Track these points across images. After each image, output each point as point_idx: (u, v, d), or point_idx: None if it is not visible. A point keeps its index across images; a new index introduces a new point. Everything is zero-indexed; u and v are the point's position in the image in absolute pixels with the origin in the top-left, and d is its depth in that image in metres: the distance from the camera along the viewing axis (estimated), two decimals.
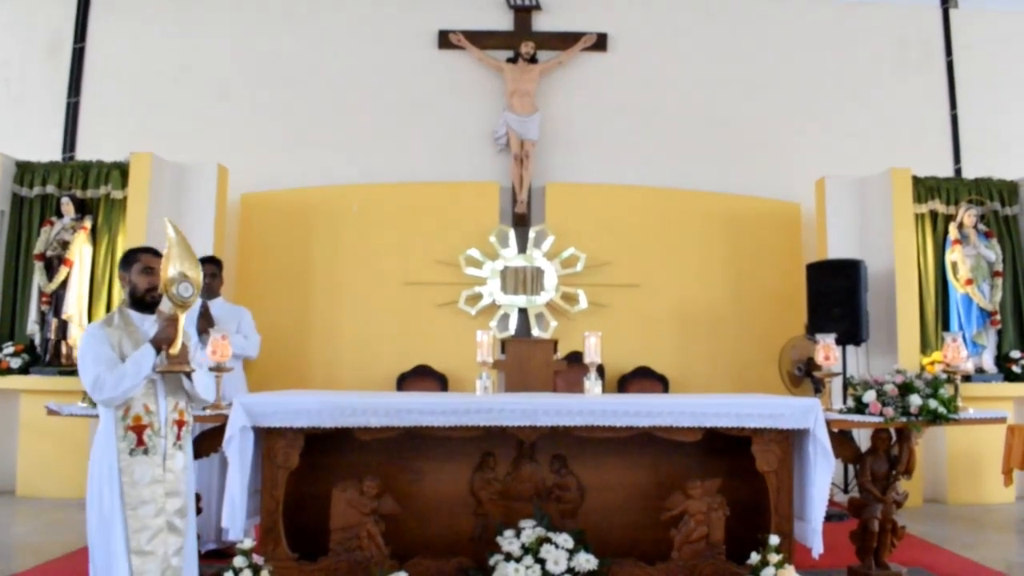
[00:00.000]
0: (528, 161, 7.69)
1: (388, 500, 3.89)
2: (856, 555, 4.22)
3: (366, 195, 7.66)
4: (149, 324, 3.01)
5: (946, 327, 6.98)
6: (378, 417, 3.76)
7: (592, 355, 4.56)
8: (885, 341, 6.93)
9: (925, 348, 6.93)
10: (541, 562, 3.66)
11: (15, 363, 6.62)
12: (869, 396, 4.09)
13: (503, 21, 8.10)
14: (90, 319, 6.68)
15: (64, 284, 6.74)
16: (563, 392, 4.69)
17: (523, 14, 8.07)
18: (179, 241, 2.92)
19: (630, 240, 7.61)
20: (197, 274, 2.93)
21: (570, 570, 3.67)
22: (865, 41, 8.26)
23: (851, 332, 6.56)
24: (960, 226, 7.08)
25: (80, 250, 6.79)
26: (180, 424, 3.02)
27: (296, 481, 3.88)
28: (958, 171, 8.01)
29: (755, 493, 4.00)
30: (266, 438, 3.81)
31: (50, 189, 6.99)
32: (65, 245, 6.78)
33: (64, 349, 6.73)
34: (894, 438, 4.23)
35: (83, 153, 7.67)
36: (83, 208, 6.91)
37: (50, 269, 6.78)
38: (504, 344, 5.11)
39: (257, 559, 3.58)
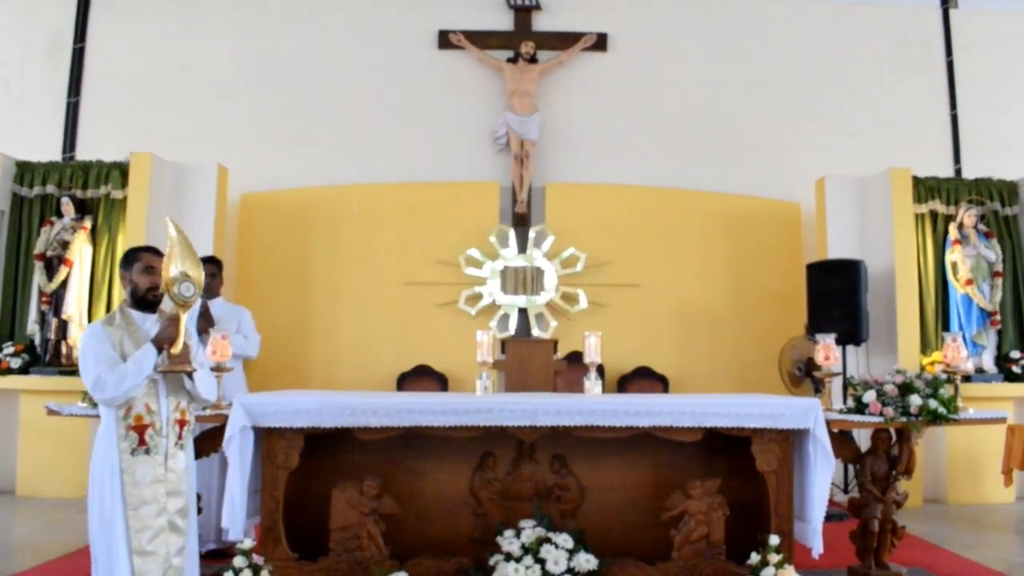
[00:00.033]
0: (528, 161, 7.69)
1: (388, 500, 3.89)
2: (856, 555, 4.22)
3: (366, 195, 7.66)
4: (150, 323, 3.00)
5: (946, 327, 6.98)
6: (378, 417, 3.76)
7: (592, 355, 4.56)
8: (885, 341, 6.93)
9: (925, 348, 6.93)
10: (541, 562, 3.66)
11: (15, 363, 6.62)
12: (869, 396, 4.09)
13: (503, 21, 8.10)
14: (90, 319, 6.67)
15: (64, 284, 6.74)
16: (563, 392, 4.69)
17: (523, 14, 8.07)
18: (181, 240, 2.91)
19: (630, 240, 7.61)
20: (199, 273, 2.92)
21: (570, 570, 3.67)
22: (865, 41, 8.26)
23: (851, 332, 6.56)
24: (960, 226, 7.08)
25: (80, 250, 6.79)
26: (182, 424, 3.01)
27: (296, 481, 3.88)
28: (958, 171, 8.01)
29: (755, 493, 4.00)
30: (266, 438, 3.81)
31: (50, 189, 6.99)
32: (65, 245, 6.78)
33: (64, 349, 6.72)
34: (894, 438, 4.23)
35: (83, 153, 7.67)
36: (83, 208, 6.91)
37: (50, 269, 6.78)
38: (504, 344, 5.11)
39: (257, 559, 3.58)
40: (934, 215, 7.19)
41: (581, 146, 7.96)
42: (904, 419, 4.04)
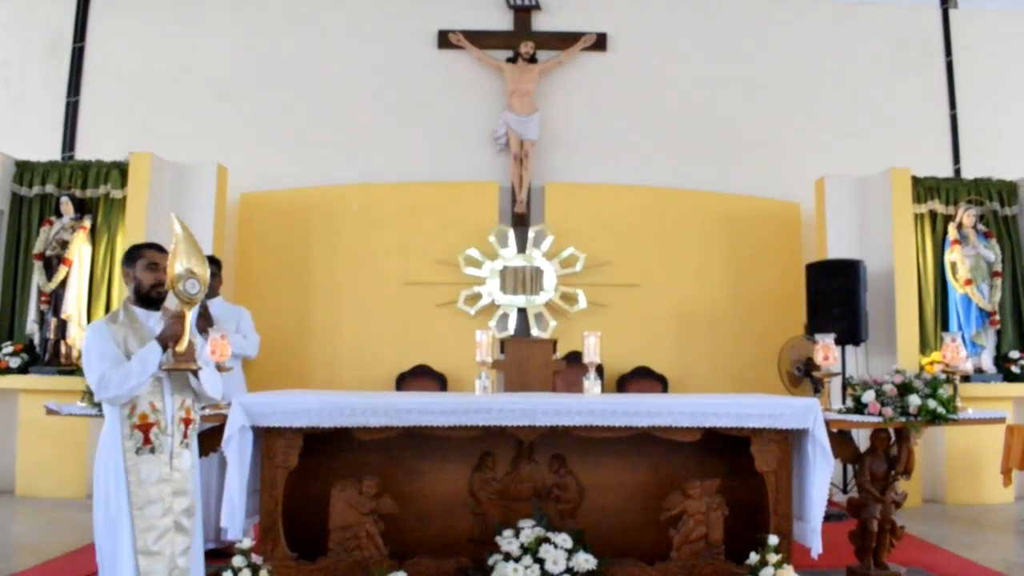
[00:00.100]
0: (528, 161, 7.69)
1: (387, 500, 3.89)
2: (855, 555, 4.22)
3: (366, 195, 7.66)
4: (154, 321, 2.96)
5: (945, 327, 6.98)
6: (377, 417, 3.76)
7: (591, 355, 4.56)
8: (884, 341, 6.93)
9: (924, 348, 6.93)
10: (540, 562, 3.66)
11: (14, 363, 6.62)
12: (868, 396, 4.09)
13: (503, 21, 8.10)
14: (89, 319, 6.67)
15: (63, 284, 6.74)
16: (562, 392, 4.69)
17: (523, 14, 8.07)
18: (186, 237, 2.88)
19: (630, 240, 7.61)
20: (204, 271, 2.88)
21: (569, 570, 3.67)
22: (865, 41, 8.26)
23: (850, 332, 6.56)
24: (959, 226, 7.08)
25: (79, 250, 6.79)
26: (187, 422, 2.98)
27: (295, 481, 3.87)
28: (957, 171, 8.02)
29: (754, 493, 4.00)
30: (265, 438, 3.81)
31: (49, 188, 6.99)
32: (64, 245, 6.78)
33: (63, 349, 6.72)
34: (893, 438, 4.24)
35: (82, 153, 7.67)
36: (82, 208, 6.91)
37: (49, 268, 6.78)
38: (503, 344, 5.11)
39: (256, 559, 3.58)
40: (933, 215, 7.19)
41: (581, 146, 7.96)
42: (903, 419, 4.04)
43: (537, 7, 8.06)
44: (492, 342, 4.92)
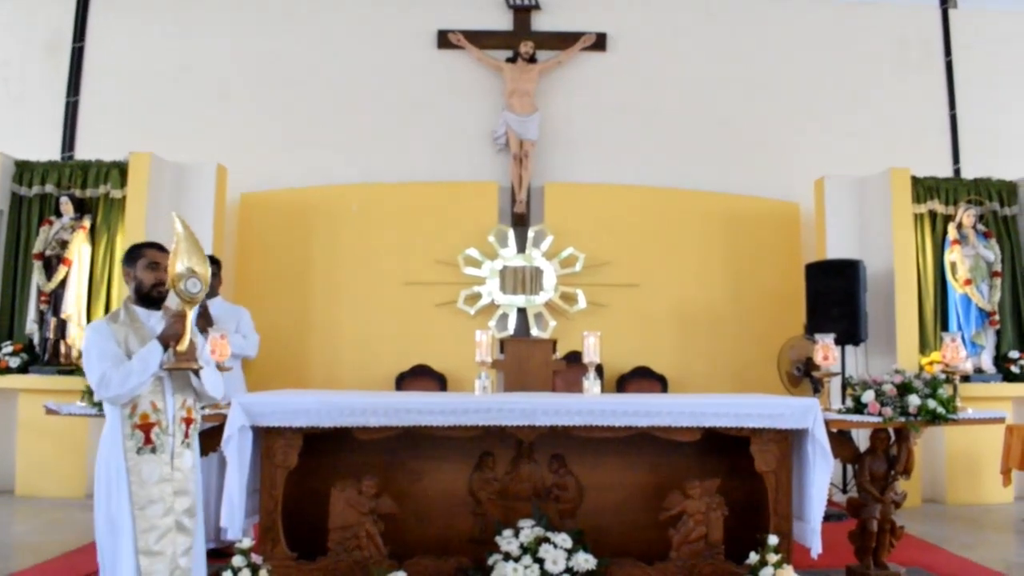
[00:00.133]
0: (527, 161, 7.69)
1: (387, 500, 3.88)
2: (855, 555, 4.22)
3: (366, 195, 7.66)
4: (155, 320, 2.95)
5: (945, 327, 6.98)
6: (377, 417, 3.76)
7: (591, 355, 4.56)
8: (884, 341, 6.93)
9: (924, 348, 6.94)
10: (540, 562, 3.66)
11: (14, 362, 6.62)
12: (868, 396, 4.09)
13: (502, 21, 8.10)
14: (89, 318, 6.67)
15: (63, 283, 6.74)
16: (562, 392, 4.69)
17: (522, 14, 8.07)
18: (187, 236, 2.86)
19: (629, 240, 7.61)
20: (205, 269, 2.87)
21: (569, 570, 3.67)
22: (865, 41, 8.26)
23: (850, 332, 6.56)
24: (959, 226, 7.08)
25: (79, 249, 6.79)
26: (188, 422, 2.97)
27: (295, 481, 3.87)
28: (957, 171, 8.02)
29: (754, 493, 4.00)
30: (265, 437, 3.81)
31: (49, 188, 6.99)
32: (64, 244, 6.78)
33: (63, 348, 6.72)
34: (893, 438, 4.24)
35: (82, 152, 7.67)
36: (82, 207, 6.91)
37: (49, 268, 6.78)
38: (503, 344, 5.11)
39: (256, 558, 3.58)
40: (933, 215, 7.19)
41: (580, 146, 7.96)
42: (903, 419, 4.04)
43: (537, 7, 8.06)
44: (492, 342, 4.92)
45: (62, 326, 6.72)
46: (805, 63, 8.18)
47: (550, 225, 7.56)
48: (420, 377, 7.23)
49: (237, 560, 3.51)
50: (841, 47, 8.23)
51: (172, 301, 2.90)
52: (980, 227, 7.14)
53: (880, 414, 4.03)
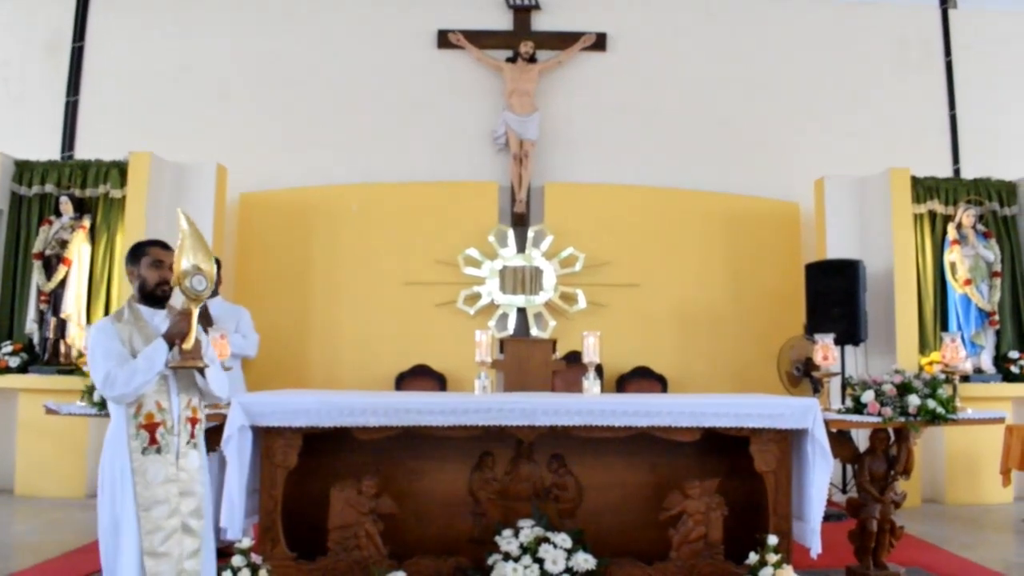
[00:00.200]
0: (527, 161, 7.69)
1: (386, 500, 3.89)
2: (854, 555, 4.22)
3: (366, 195, 7.66)
4: (160, 319, 2.92)
5: (944, 327, 6.98)
6: (377, 417, 3.76)
7: (591, 355, 4.56)
8: (884, 341, 6.93)
9: (923, 348, 6.94)
10: (539, 562, 3.66)
11: (13, 362, 6.62)
12: (867, 396, 4.09)
13: (502, 21, 8.10)
14: (88, 318, 6.68)
15: (63, 283, 6.74)
16: (561, 392, 4.69)
17: (522, 14, 8.07)
18: (192, 233, 2.81)
19: (629, 240, 7.61)
20: (211, 267, 2.82)
21: (568, 570, 3.67)
22: (865, 41, 8.26)
23: (850, 332, 6.56)
24: (959, 226, 7.08)
25: (79, 249, 6.79)
26: (193, 422, 2.93)
27: (294, 480, 3.87)
28: (957, 171, 8.02)
29: (753, 493, 4.00)
30: (265, 437, 3.81)
31: (49, 188, 7.00)
32: (64, 244, 6.78)
33: (63, 348, 6.72)
34: (892, 438, 4.24)
35: (82, 152, 7.67)
36: (82, 207, 6.92)
37: (49, 268, 6.78)
38: (503, 344, 5.11)
39: (255, 558, 3.58)
40: (933, 215, 7.20)
41: (580, 146, 7.96)
42: (902, 419, 4.04)
43: (537, 7, 8.06)
44: (491, 342, 4.92)
45: (62, 326, 6.72)
46: (805, 63, 8.18)
47: (550, 225, 7.56)
48: (420, 377, 7.23)
49: (237, 560, 3.51)
50: (841, 47, 8.23)
51: (176, 300, 2.88)
52: (980, 227, 7.14)
53: (880, 414, 4.03)
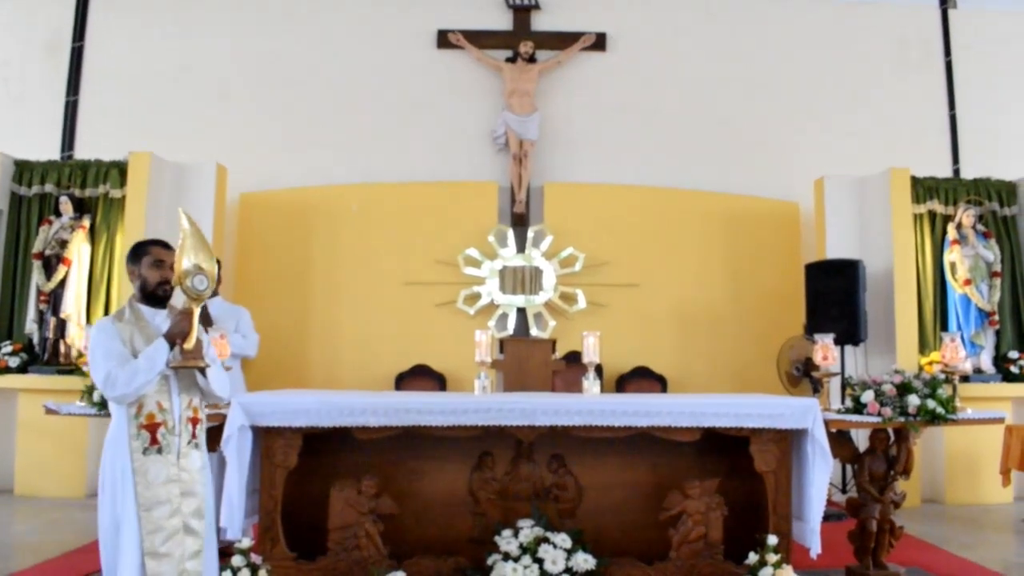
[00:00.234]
0: (527, 161, 7.69)
1: (386, 500, 3.89)
2: (854, 555, 4.22)
3: (366, 195, 7.66)
4: (161, 319, 2.91)
5: (944, 327, 6.98)
6: (376, 417, 3.76)
7: (591, 355, 4.56)
8: (883, 341, 6.93)
9: (923, 348, 6.94)
10: (539, 562, 3.66)
11: (13, 362, 6.62)
12: (867, 396, 4.09)
13: (502, 21, 8.10)
14: (88, 318, 6.68)
15: (62, 283, 6.74)
16: (561, 392, 4.69)
17: (522, 14, 8.07)
18: (193, 232, 2.81)
19: (629, 240, 7.61)
20: (212, 266, 2.81)
21: (568, 570, 3.67)
22: (865, 41, 8.26)
23: (849, 332, 6.56)
24: (959, 226, 7.08)
25: (78, 249, 6.79)
26: (195, 422, 2.92)
27: (294, 480, 3.87)
28: (957, 171, 8.02)
29: (753, 493, 4.00)
30: (264, 437, 3.81)
31: (49, 188, 6.99)
32: (63, 244, 6.78)
33: (62, 348, 6.72)
34: (892, 438, 4.24)
35: (82, 152, 7.66)
36: (81, 207, 6.91)
37: (48, 268, 6.78)
38: (502, 344, 5.12)
39: (255, 558, 3.58)
40: (932, 215, 7.19)
41: (580, 146, 7.96)
42: (902, 419, 4.04)
43: (536, 7, 8.06)
44: (491, 342, 4.92)
45: (61, 326, 6.73)
46: (805, 63, 8.18)
47: (550, 225, 7.56)
48: (420, 377, 7.23)
49: (236, 560, 3.51)
50: (841, 47, 8.23)
51: (177, 299, 2.87)
52: (980, 227, 7.14)
53: (879, 414, 4.03)
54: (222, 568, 3.47)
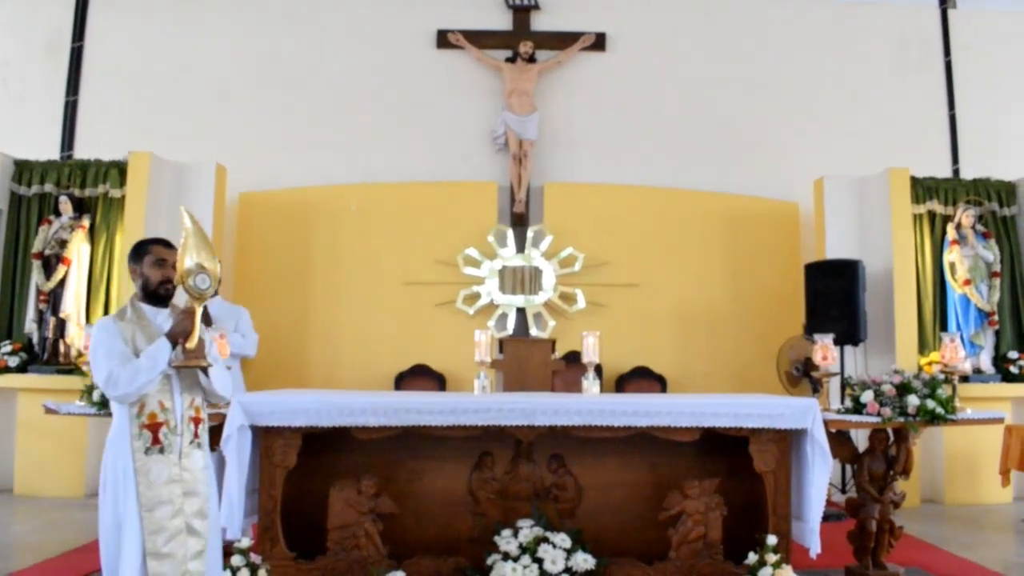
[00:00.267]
0: (527, 161, 7.69)
1: (386, 499, 3.89)
2: (853, 555, 4.22)
3: (365, 195, 7.66)
4: (163, 318, 2.90)
5: (944, 327, 6.98)
6: (376, 416, 3.76)
7: (590, 355, 4.56)
8: (883, 341, 6.93)
9: (923, 348, 6.94)
10: (539, 561, 3.66)
11: (13, 362, 6.62)
12: (867, 396, 4.09)
13: (502, 21, 8.10)
14: (88, 318, 6.67)
15: (62, 283, 6.73)
16: (561, 392, 4.69)
17: (522, 14, 8.07)
18: (196, 231, 2.80)
19: (629, 240, 7.61)
20: (215, 265, 2.81)
21: (568, 570, 3.67)
22: (865, 41, 8.26)
23: (849, 332, 6.56)
24: (958, 226, 7.08)
25: (78, 249, 6.79)
26: (196, 421, 2.91)
27: (294, 480, 3.87)
28: (956, 171, 8.02)
29: (753, 493, 4.00)
30: (264, 437, 3.81)
31: (48, 188, 6.99)
32: (63, 244, 6.78)
33: (62, 348, 6.72)
34: (891, 438, 4.24)
35: (81, 152, 7.66)
36: (81, 207, 6.91)
37: (48, 268, 6.78)
38: (502, 344, 5.12)
39: (255, 558, 3.58)
40: (932, 215, 7.20)
41: (580, 146, 7.96)
42: (902, 419, 4.04)
43: (536, 7, 8.06)
44: (491, 342, 4.92)
45: (61, 325, 6.73)
46: (805, 63, 8.18)
47: (549, 225, 7.56)
48: (419, 377, 7.23)
49: (236, 560, 3.51)
50: (841, 47, 8.23)
51: (180, 298, 2.86)
52: (979, 227, 7.14)
53: (879, 414, 4.03)
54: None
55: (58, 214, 6.90)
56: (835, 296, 6.70)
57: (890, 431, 4.20)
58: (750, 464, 3.88)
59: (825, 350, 4.32)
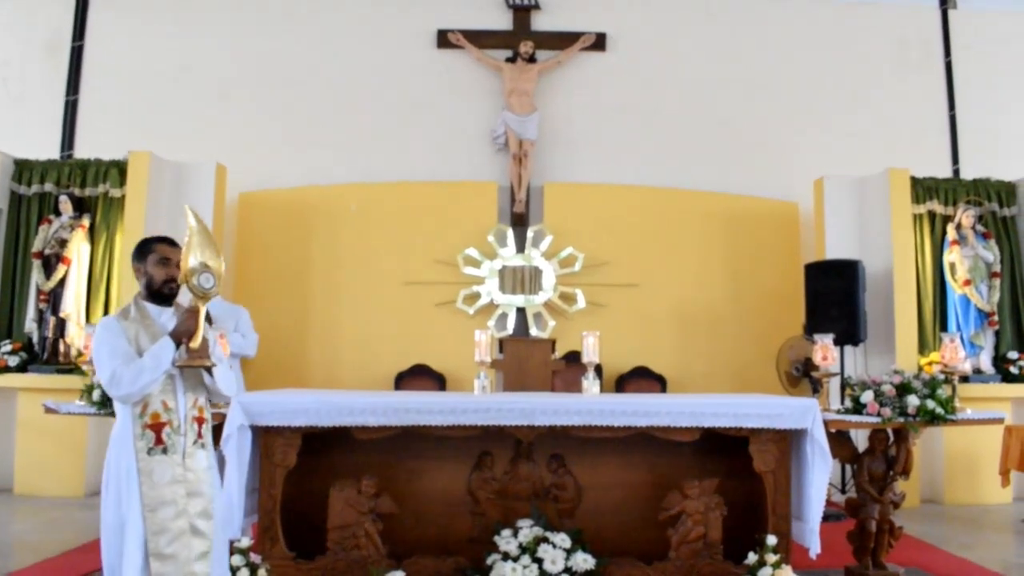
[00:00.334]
0: (527, 161, 7.69)
1: (386, 499, 3.89)
2: (853, 555, 4.22)
3: (365, 195, 7.66)
4: (166, 317, 2.88)
5: (944, 328, 6.98)
6: (376, 416, 3.76)
7: (590, 355, 4.56)
8: (883, 341, 6.93)
9: (923, 349, 6.94)
10: (538, 561, 3.66)
11: (13, 361, 6.62)
12: (867, 396, 4.09)
13: (502, 20, 8.10)
14: (88, 317, 6.68)
15: (62, 282, 6.74)
16: (561, 392, 4.69)
17: (522, 13, 8.07)
18: (200, 230, 2.78)
19: (629, 240, 7.62)
20: (219, 264, 2.79)
21: (567, 570, 3.67)
22: (865, 41, 8.26)
23: (849, 332, 6.56)
24: (958, 227, 7.08)
25: (78, 248, 6.79)
26: (200, 421, 2.89)
27: (294, 480, 3.87)
28: (956, 172, 8.02)
29: (752, 493, 4.00)
30: (264, 437, 3.81)
31: (48, 187, 6.99)
32: (63, 243, 6.78)
33: (62, 347, 6.72)
34: (891, 438, 4.24)
35: (81, 151, 7.66)
36: (81, 206, 6.92)
37: (48, 267, 6.78)
38: (502, 344, 5.12)
39: (254, 558, 3.58)
40: (932, 215, 7.20)
41: (580, 146, 7.96)
42: (901, 419, 4.04)
43: (536, 7, 8.06)
44: (491, 342, 4.91)
45: (61, 325, 6.73)
46: (805, 63, 8.18)
47: (549, 225, 7.56)
48: (419, 377, 7.23)
49: (236, 559, 3.51)
50: (841, 47, 8.23)
51: (184, 297, 2.85)
52: (979, 228, 7.15)
53: (879, 414, 4.03)
54: None
55: (58, 214, 6.90)
56: (835, 296, 6.70)
57: (890, 431, 4.20)
58: (750, 464, 3.88)
59: (825, 350, 4.32)
